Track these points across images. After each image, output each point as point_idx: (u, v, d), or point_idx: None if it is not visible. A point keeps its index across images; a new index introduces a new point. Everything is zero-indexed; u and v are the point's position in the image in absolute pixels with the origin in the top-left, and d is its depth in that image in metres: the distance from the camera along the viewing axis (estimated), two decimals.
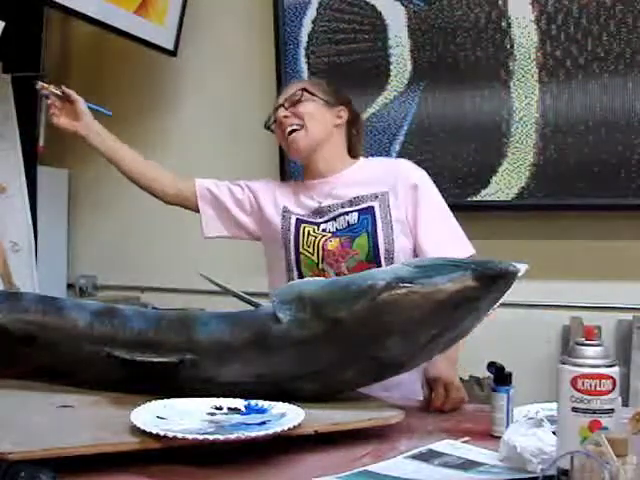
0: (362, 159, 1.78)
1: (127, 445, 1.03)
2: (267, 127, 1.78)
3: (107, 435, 1.06)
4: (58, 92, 1.78)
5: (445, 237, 1.64)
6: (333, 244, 1.63)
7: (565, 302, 2.47)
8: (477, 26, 2.51)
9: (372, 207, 1.64)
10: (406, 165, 1.73)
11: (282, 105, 1.70)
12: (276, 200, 1.75)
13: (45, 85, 1.79)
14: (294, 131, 1.69)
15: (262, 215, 1.75)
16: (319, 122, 1.70)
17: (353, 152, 1.77)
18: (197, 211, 1.83)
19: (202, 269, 1.80)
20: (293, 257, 1.66)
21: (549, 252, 2.42)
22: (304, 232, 1.66)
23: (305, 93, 1.70)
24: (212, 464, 1.03)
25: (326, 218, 1.67)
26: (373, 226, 1.62)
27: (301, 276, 1.63)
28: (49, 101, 1.78)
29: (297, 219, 1.69)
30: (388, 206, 1.64)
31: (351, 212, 1.65)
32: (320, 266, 1.63)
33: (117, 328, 1.32)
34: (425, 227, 1.64)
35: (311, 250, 1.64)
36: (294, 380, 1.25)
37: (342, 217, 1.65)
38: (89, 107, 1.79)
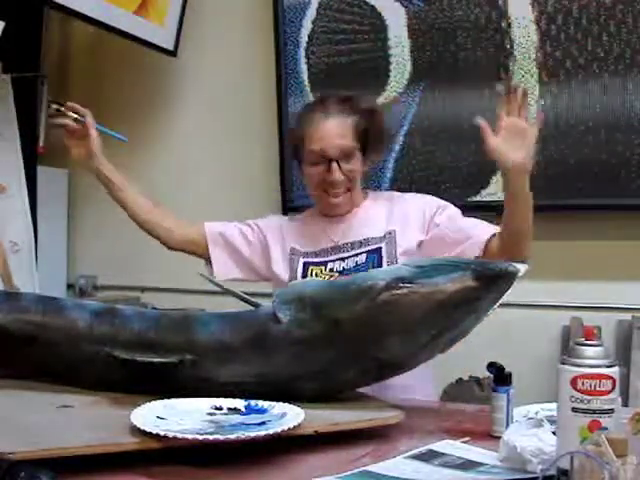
0: (370, 193, 1.77)
1: (127, 445, 1.03)
2: (295, 157, 1.75)
3: (107, 435, 1.06)
4: (76, 117, 1.71)
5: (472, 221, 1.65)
6: None
7: (565, 302, 2.46)
8: (477, 26, 2.51)
9: (380, 248, 1.64)
10: (421, 197, 1.73)
11: (336, 160, 1.64)
12: (284, 241, 1.74)
13: (62, 109, 1.71)
14: (339, 194, 1.68)
15: (270, 256, 1.74)
16: (359, 179, 1.70)
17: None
18: (202, 256, 1.79)
19: (203, 269, 1.81)
20: None
21: (549, 252, 2.41)
22: (311, 274, 1.66)
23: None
24: (212, 464, 1.03)
25: (335, 257, 1.67)
26: (379, 264, 1.62)
27: None
28: (64, 121, 1.71)
29: (304, 262, 1.68)
30: (395, 242, 1.64)
31: (360, 254, 1.65)
32: None
33: (117, 328, 1.32)
34: (451, 222, 1.65)
35: None
36: (294, 380, 1.25)
37: (351, 258, 1.65)
38: (101, 130, 1.74)
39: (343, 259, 1.66)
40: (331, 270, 1.65)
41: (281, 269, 1.70)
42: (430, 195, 1.74)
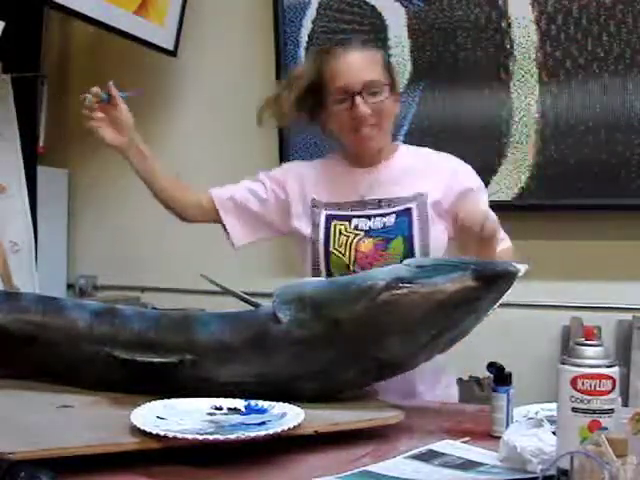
0: (401, 146, 1.68)
1: (127, 445, 1.03)
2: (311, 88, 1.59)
3: (107, 435, 1.06)
4: (102, 95, 1.59)
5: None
6: (367, 245, 1.54)
7: (565, 302, 2.47)
8: (477, 26, 2.51)
9: (409, 209, 1.56)
10: (456, 168, 1.63)
11: (359, 93, 1.53)
12: (304, 190, 1.63)
13: (91, 95, 1.58)
14: (368, 127, 1.56)
15: (289, 211, 1.65)
16: (391, 118, 1.61)
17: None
18: (217, 223, 1.71)
19: (202, 269, 1.80)
20: (322, 256, 1.57)
21: (549, 252, 2.42)
22: (335, 230, 1.57)
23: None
24: (212, 464, 1.03)
25: (360, 213, 1.57)
26: (409, 230, 1.54)
27: (329, 275, 1.55)
28: (91, 102, 1.58)
29: (327, 215, 1.59)
30: (425, 204, 1.56)
31: (388, 214, 1.56)
32: (351, 268, 1.53)
33: (117, 328, 1.32)
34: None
35: (342, 250, 1.55)
36: (294, 380, 1.25)
37: (379, 218, 1.56)
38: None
39: (369, 217, 1.57)
40: (356, 227, 1.56)
41: (302, 224, 1.62)
42: (470, 167, 1.65)
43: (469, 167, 1.65)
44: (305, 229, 1.61)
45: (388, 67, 1.61)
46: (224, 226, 1.71)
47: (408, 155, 1.66)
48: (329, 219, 1.59)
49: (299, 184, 1.65)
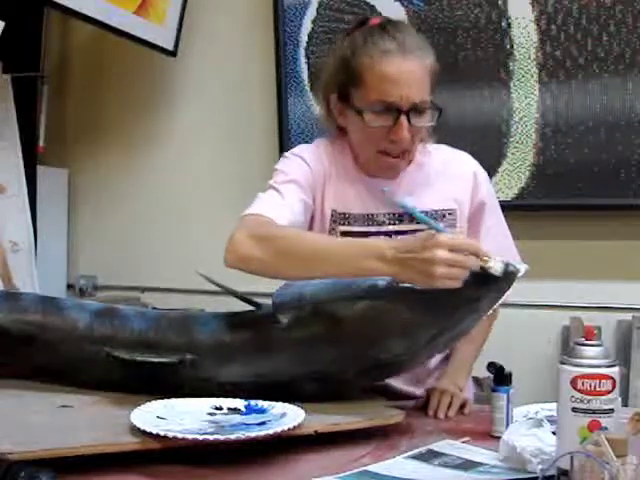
0: (419, 146, 1.51)
1: (127, 445, 1.03)
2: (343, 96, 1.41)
3: (107, 435, 1.06)
4: None
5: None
6: None
7: (565, 302, 2.46)
8: (477, 26, 2.51)
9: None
10: (476, 175, 1.54)
11: (407, 113, 1.36)
12: (323, 198, 1.48)
13: None
14: (399, 153, 1.43)
15: (312, 214, 1.49)
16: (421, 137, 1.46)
17: None
18: None
19: (202, 269, 1.80)
20: None
21: (549, 252, 2.41)
22: None
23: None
24: (212, 464, 1.03)
25: (377, 230, 1.46)
26: None
27: None
28: None
29: (341, 233, 1.46)
30: (455, 227, 1.48)
31: (410, 231, 1.42)
32: None
33: (117, 328, 1.32)
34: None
35: None
36: (294, 380, 1.25)
37: (398, 236, 1.44)
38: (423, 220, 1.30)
39: (389, 234, 1.46)
40: None
41: (321, 230, 1.49)
42: (485, 174, 1.56)
43: (485, 174, 1.57)
44: None
45: (434, 75, 1.42)
46: None
47: (425, 161, 1.54)
48: (345, 236, 1.46)
49: (320, 191, 1.50)
